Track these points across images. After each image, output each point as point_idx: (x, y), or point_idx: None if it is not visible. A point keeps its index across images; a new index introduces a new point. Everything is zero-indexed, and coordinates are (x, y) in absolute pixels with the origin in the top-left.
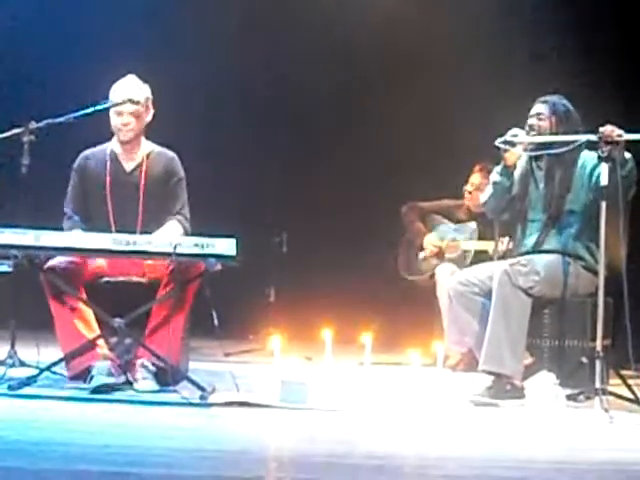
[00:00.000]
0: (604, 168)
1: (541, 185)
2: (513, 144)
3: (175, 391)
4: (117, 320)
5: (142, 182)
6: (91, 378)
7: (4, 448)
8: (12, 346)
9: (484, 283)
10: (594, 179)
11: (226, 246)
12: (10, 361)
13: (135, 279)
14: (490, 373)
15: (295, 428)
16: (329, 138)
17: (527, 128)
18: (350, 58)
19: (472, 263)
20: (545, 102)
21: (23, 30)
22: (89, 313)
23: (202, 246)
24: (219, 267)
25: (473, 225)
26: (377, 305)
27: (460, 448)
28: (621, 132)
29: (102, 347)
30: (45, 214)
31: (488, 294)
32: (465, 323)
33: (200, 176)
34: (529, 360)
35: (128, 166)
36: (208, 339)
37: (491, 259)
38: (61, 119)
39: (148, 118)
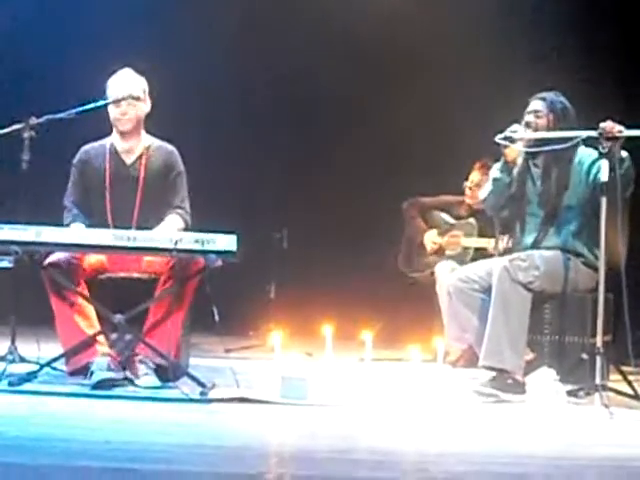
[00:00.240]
0: (604, 164)
1: (538, 183)
2: (513, 140)
3: (175, 387)
4: (117, 316)
5: (142, 175)
6: (91, 374)
7: (4, 444)
8: (12, 342)
9: (484, 279)
10: (592, 176)
11: (227, 242)
12: (10, 357)
13: (135, 275)
14: (491, 369)
15: (295, 424)
16: (330, 136)
17: (524, 125)
18: (351, 58)
19: (472, 260)
20: (542, 99)
21: (23, 27)
22: (89, 309)
23: (203, 242)
24: (220, 263)
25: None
26: (377, 301)
27: (460, 444)
28: (621, 128)
29: (102, 344)
30: (45, 210)
31: (488, 290)
32: (465, 319)
33: (201, 173)
34: (530, 356)
35: (128, 159)
36: (208, 335)
37: (491, 256)
38: (61, 115)
39: (146, 109)
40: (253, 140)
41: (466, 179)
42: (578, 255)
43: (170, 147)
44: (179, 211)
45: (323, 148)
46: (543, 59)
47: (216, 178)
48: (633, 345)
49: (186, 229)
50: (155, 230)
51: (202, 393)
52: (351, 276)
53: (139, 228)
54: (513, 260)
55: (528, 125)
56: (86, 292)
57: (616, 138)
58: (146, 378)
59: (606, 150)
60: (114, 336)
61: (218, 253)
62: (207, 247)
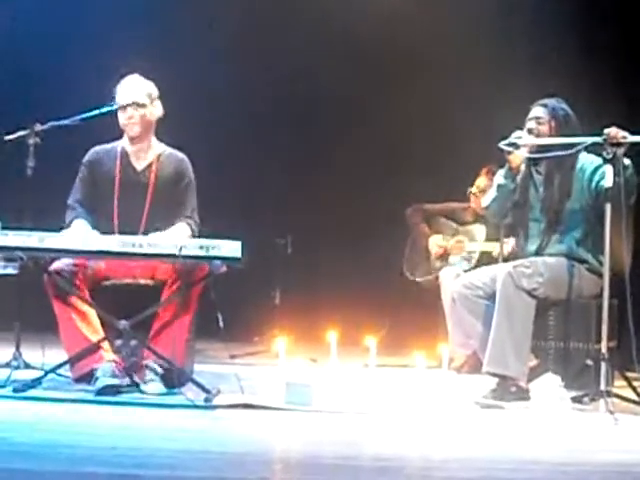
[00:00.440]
0: (609, 170)
1: (541, 189)
2: (517, 146)
3: (180, 393)
4: (122, 322)
5: (152, 182)
6: (95, 380)
7: (10, 450)
8: (17, 348)
9: (488, 286)
10: (594, 183)
11: (231, 248)
12: (15, 363)
13: (141, 281)
14: (494, 375)
15: (300, 430)
16: (330, 136)
17: (526, 132)
18: (351, 58)
19: (478, 264)
20: (544, 105)
21: (25, 29)
22: (93, 315)
23: (207, 248)
24: (224, 269)
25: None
26: (382, 307)
27: (464, 450)
28: (626, 134)
29: (107, 350)
30: (50, 216)
31: (492, 296)
32: (469, 325)
33: (203, 178)
34: (534, 362)
35: (139, 165)
36: (213, 341)
37: (496, 261)
38: (66, 121)
39: (156, 113)
40: (253, 140)
41: (471, 185)
42: (582, 261)
43: (181, 155)
44: (189, 221)
45: (323, 148)
46: (543, 59)
47: (219, 182)
48: (637, 351)
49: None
50: (161, 234)
51: (207, 399)
52: (355, 282)
53: (146, 235)
54: (517, 267)
55: (530, 132)
56: (89, 298)
57: (620, 144)
58: (152, 384)
59: (610, 156)
60: (119, 342)
61: (223, 259)
62: (212, 253)
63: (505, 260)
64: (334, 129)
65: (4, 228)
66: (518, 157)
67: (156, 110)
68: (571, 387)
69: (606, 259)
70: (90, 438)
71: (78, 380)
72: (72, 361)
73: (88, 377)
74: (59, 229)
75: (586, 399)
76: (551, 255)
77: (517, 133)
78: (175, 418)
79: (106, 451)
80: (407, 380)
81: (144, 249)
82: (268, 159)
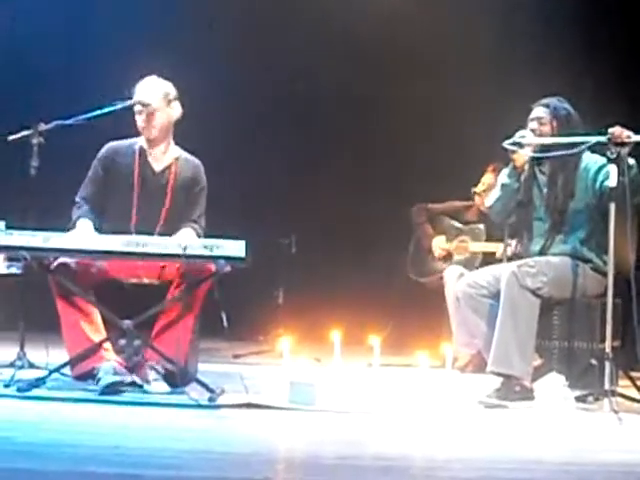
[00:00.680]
0: (613, 169)
1: (545, 189)
2: (521, 145)
3: (184, 393)
4: (126, 322)
5: (170, 184)
6: (98, 379)
7: (13, 449)
8: (21, 348)
9: (492, 285)
10: (598, 183)
11: (235, 248)
12: (19, 363)
13: (145, 281)
14: (498, 374)
15: (304, 430)
16: (330, 136)
17: (529, 131)
18: (351, 58)
19: (481, 264)
20: (546, 105)
21: (26, 30)
22: (96, 315)
23: (211, 248)
24: (228, 269)
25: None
26: (386, 307)
27: (468, 449)
28: (630, 133)
29: (108, 350)
30: (54, 216)
31: (496, 296)
32: (473, 325)
33: (208, 178)
34: (538, 362)
35: (157, 166)
36: (217, 341)
37: (500, 261)
38: (70, 121)
39: (174, 115)
40: (254, 140)
41: (475, 185)
42: (586, 261)
43: (197, 161)
44: (194, 225)
45: (326, 148)
46: (545, 58)
47: (223, 182)
48: None
49: None
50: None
51: (211, 399)
52: (359, 281)
53: (162, 236)
54: (521, 266)
55: (532, 132)
56: (93, 297)
57: (624, 143)
58: (156, 384)
59: (614, 155)
60: (122, 342)
61: (227, 259)
62: (216, 253)
63: (509, 260)
64: (335, 129)
65: (8, 228)
66: (522, 156)
67: (174, 111)
68: (575, 386)
69: (610, 258)
70: (93, 437)
71: (78, 378)
72: (73, 361)
73: (88, 376)
74: (64, 227)
75: (590, 399)
76: (555, 255)
77: (521, 132)
78: (179, 417)
79: (109, 450)
80: (411, 380)
81: (148, 249)
82: (271, 159)
